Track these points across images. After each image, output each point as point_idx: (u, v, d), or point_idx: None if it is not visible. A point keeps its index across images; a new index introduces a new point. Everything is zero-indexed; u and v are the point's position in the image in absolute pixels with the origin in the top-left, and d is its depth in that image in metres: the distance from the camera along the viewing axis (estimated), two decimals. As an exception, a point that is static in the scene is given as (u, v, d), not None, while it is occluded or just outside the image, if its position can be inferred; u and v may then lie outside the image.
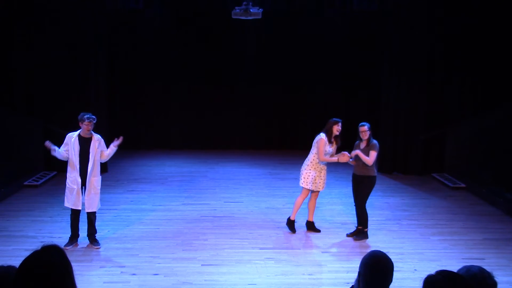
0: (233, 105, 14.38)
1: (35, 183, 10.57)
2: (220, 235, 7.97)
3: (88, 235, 7.46)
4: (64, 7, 11.15)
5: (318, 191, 8.01)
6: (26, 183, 10.48)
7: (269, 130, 14.49)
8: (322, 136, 7.70)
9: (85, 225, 7.47)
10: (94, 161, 7.28)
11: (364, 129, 7.59)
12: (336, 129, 7.68)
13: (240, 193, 10.34)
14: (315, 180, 7.81)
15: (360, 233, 7.85)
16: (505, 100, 10.77)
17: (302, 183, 7.90)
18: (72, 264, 2.28)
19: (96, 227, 7.53)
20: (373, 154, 7.52)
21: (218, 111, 14.35)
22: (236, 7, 10.55)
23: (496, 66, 11.31)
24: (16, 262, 2.28)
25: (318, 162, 7.78)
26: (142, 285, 6.23)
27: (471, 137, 11.32)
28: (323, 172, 7.88)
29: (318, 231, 8.09)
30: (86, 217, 7.44)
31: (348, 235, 7.98)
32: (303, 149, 7.64)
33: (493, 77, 11.40)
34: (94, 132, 7.37)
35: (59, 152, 7.27)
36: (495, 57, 11.29)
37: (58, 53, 11.28)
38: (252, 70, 14.17)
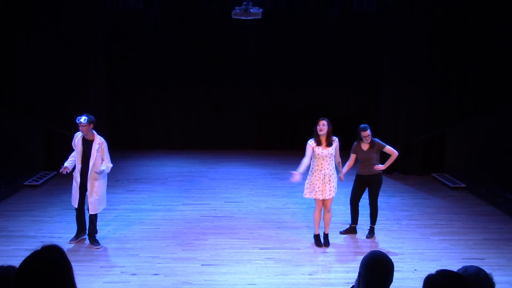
0: (233, 105, 14.37)
1: (35, 183, 10.56)
2: (220, 235, 7.97)
3: (88, 235, 7.47)
4: (64, 8, 11.16)
5: (320, 200, 7.49)
6: (26, 183, 10.48)
7: (269, 130, 14.48)
8: (309, 141, 7.42)
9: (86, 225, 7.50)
10: (93, 164, 7.18)
11: (367, 133, 7.61)
12: (318, 128, 7.31)
13: (240, 193, 10.34)
14: (310, 187, 7.46)
15: (371, 231, 7.98)
16: (505, 100, 10.76)
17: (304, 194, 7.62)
18: (72, 264, 2.28)
19: (97, 227, 7.52)
20: (389, 148, 7.77)
21: (218, 111, 14.35)
22: (236, 7, 10.56)
23: (496, 66, 11.30)
24: (16, 262, 2.27)
25: (311, 168, 7.47)
26: (142, 285, 6.23)
27: (471, 137, 11.31)
28: (320, 178, 7.38)
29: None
30: (88, 216, 7.46)
31: (341, 232, 8.07)
32: (303, 149, 7.60)
33: (493, 77, 11.39)
34: (99, 135, 7.30)
35: (70, 162, 7.32)
36: (495, 57, 11.28)
37: (58, 54, 11.28)
38: (252, 70, 14.16)
